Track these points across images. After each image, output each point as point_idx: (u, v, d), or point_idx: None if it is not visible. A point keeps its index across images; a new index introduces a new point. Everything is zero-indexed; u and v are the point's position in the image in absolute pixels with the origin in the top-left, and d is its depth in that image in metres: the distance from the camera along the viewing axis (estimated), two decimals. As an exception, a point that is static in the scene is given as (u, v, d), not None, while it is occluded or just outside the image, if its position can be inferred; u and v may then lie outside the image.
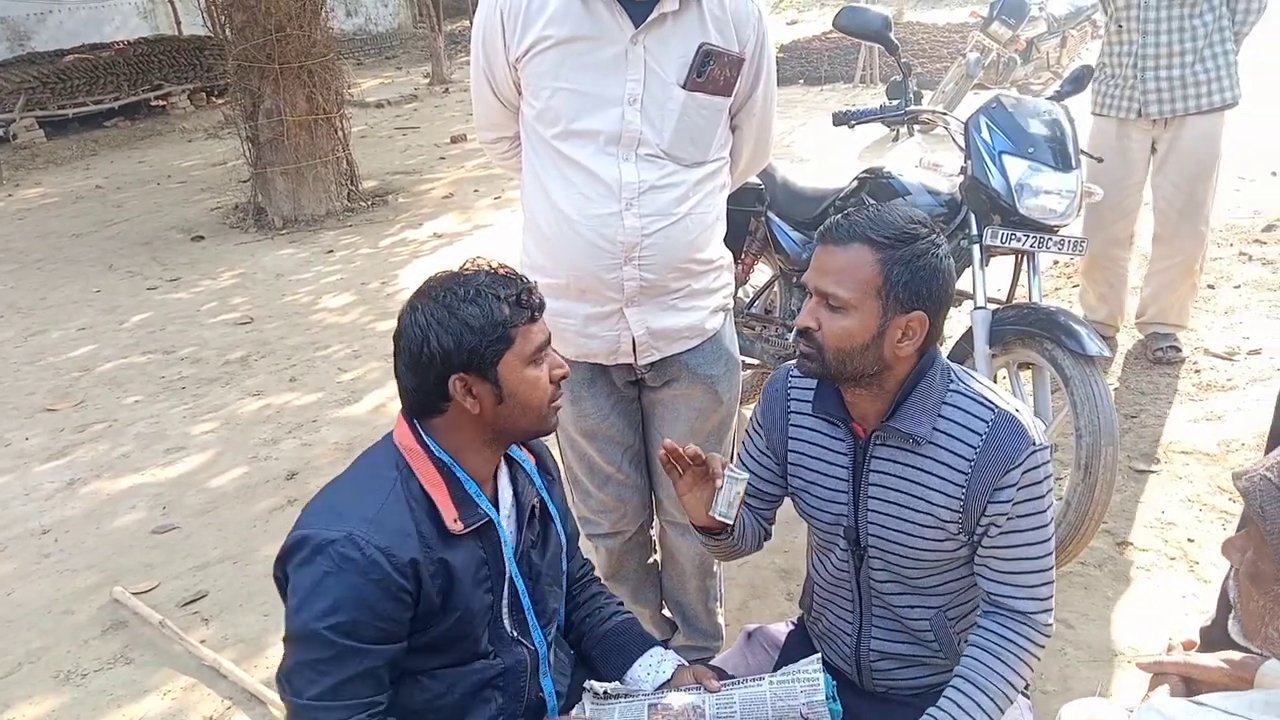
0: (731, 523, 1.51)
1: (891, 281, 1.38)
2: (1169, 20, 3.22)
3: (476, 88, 1.91)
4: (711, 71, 1.75)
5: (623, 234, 1.77)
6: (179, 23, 13.73)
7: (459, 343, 1.33)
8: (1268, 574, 1.02)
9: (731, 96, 1.81)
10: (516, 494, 1.52)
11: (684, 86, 1.74)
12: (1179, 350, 3.57)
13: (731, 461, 1.57)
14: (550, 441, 1.71)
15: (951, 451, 1.43)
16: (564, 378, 1.46)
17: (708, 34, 1.74)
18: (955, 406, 1.45)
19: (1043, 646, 1.48)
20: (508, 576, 1.47)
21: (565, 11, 1.71)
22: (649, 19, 1.70)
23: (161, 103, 11.78)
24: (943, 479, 1.44)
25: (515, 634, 1.50)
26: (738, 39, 1.78)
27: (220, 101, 11.46)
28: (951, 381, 1.47)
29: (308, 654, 1.30)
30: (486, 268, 1.41)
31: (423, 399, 1.39)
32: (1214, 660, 1.27)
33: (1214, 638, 1.73)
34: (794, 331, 1.51)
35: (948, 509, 1.45)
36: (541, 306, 1.42)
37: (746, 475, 1.50)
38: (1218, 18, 3.23)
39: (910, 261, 1.38)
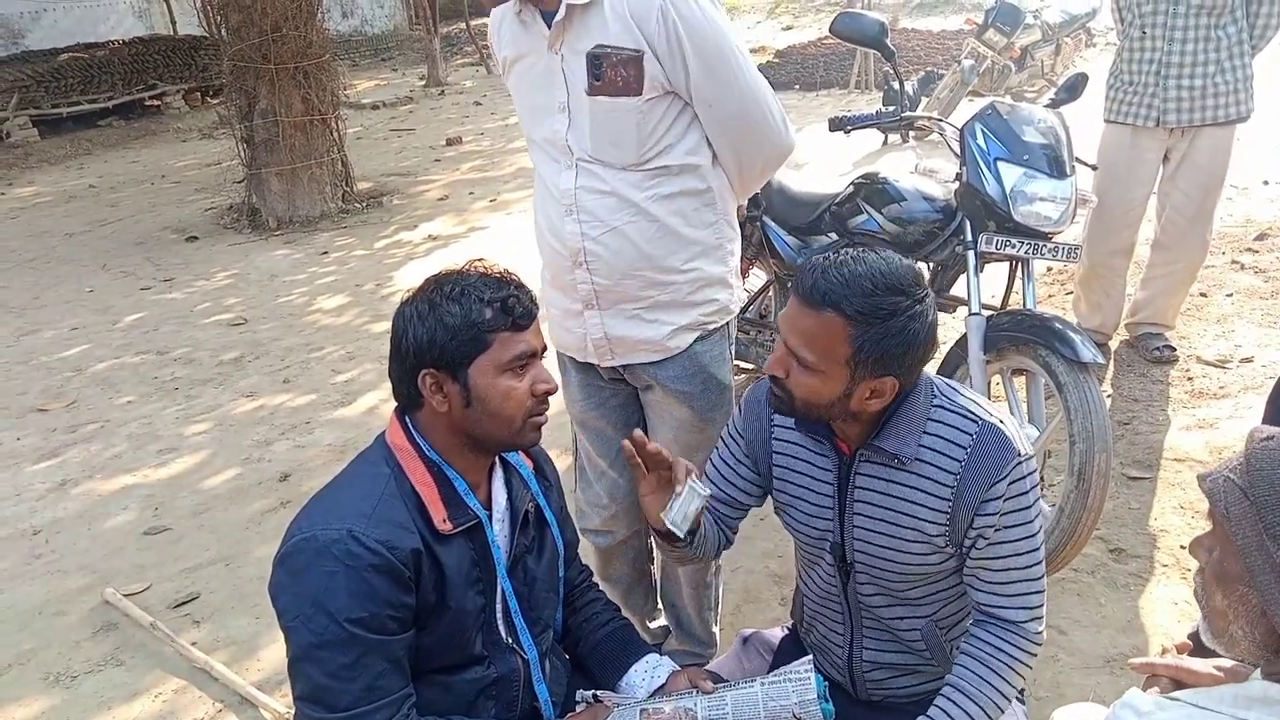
0: (682, 535, 1.45)
1: (861, 356, 1.33)
2: (1195, 29, 3.19)
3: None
4: (606, 73, 1.73)
5: (568, 239, 1.84)
6: (174, 22, 13.74)
7: (431, 338, 1.34)
8: (1233, 574, 1.04)
9: (642, 95, 1.73)
10: (511, 498, 1.51)
11: (587, 92, 1.75)
12: (1174, 349, 3.63)
13: (701, 475, 1.53)
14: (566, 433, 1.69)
15: (936, 467, 1.42)
16: (549, 393, 1.42)
17: (607, 34, 1.70)
18: (940, 422, 1.43)
19: (1034, 655, 1.47)
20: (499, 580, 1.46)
21: (513, 32, 1.83)
22: (551, 28, 1.74)
23: (156, 102, 11.76)
24: (928, 494, 1.43)
25: (510, 641, 1.49)
26: (642, 34, 1.70)
27: (215, 102, 11.44)
28: (935, 397, 1.45)
29: (331, 662, 1.27)
30: (483, 269, 1.40)
31: (400, 391, 1.42)
32: (1206, 666, 1.28)
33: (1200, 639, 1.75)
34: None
35: (934, 524, 1.44)
36: (528, 316, 1.38)
37: (708, 492, 1.45)
38: (1239, 30, 3.22)
39: (882, 340, 1.32)
